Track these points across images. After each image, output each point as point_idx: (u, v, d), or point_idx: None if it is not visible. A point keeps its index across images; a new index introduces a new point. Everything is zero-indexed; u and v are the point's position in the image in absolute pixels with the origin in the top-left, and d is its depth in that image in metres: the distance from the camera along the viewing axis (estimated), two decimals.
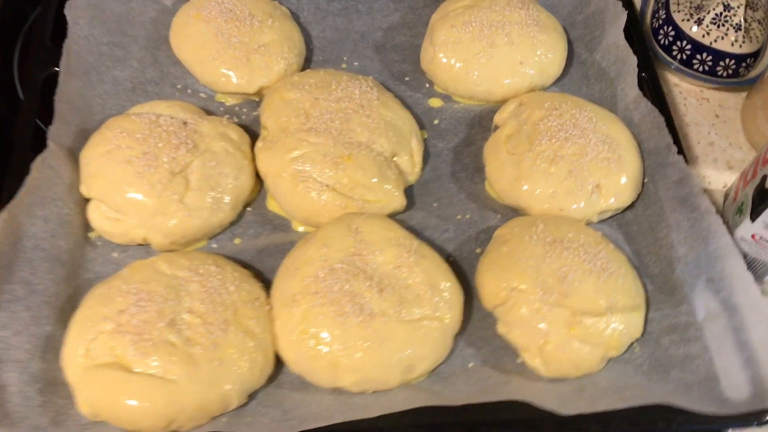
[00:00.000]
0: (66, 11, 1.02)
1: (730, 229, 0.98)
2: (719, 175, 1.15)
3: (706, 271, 0.90)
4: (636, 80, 1.05)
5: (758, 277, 1.01)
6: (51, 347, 0.82)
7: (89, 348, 0.78)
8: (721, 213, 1.06)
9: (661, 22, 1.25)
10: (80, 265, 0.90)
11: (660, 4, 1.28)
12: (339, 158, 0.93)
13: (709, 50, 1.20)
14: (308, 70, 1.06)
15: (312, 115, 0.97)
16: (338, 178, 0.93)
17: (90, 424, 0.78)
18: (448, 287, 0.86)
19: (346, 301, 0.82)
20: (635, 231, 1.00)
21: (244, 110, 1.06)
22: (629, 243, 0.99)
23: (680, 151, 0.99)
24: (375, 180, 0.94)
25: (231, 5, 1.05)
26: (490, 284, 0.89)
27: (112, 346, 0.77)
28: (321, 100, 0.98)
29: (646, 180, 1.01)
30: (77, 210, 0.92)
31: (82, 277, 0.89)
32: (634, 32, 1.17)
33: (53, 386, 0.80)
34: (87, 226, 0.92)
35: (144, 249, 0.92)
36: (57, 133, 0.93)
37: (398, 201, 0.96)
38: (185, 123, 0.95)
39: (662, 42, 1.25)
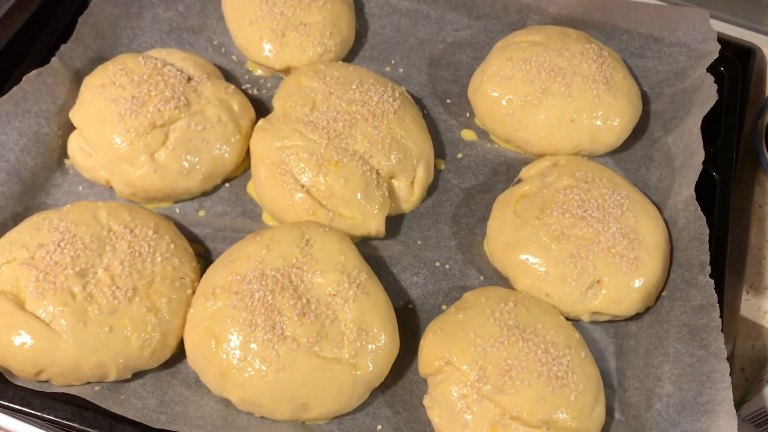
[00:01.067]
0: None
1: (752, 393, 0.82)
2: None
3: (687, 422, 0.75)
4: (696, 178, 0.89)
5: None
6: None
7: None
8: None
9: None
10: (42, 187, 0.89)
11: None
12: (325, 161, 0.86)
13: None
14: (340, 62, 0.98)
15: (318, 109, 0.90)
16: (316, 182, 0.85)
17: None
18: (380, 337, 0.77)
19: (261, 312, 0.75)
20: (631, 347, 0.85)
21: (268, 84, 1.01)
22: (618, 358, 0.85)
23: (719, 277, 0.83)
24: (357, 195, 0.86)
25: None
26: (429, 349, 0.79)
27: (17, 275, 0.76)
28: (334, 96, 0.90)
29: (663, 294, 0.86)
30: (59, 133, 0.90)
31: (40, 199, 0.88)
32: (725, 123, 1.00)
33: None
34: (64, 152, 0.91)
35: (109, 193, 0.90)
36: (69, 53, 0.92)
37: (375, 225, 0.87)
38: (189, 79, 0.91)
39: None
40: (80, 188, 0.90)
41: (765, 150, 1.06)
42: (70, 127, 0.91)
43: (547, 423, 0.73)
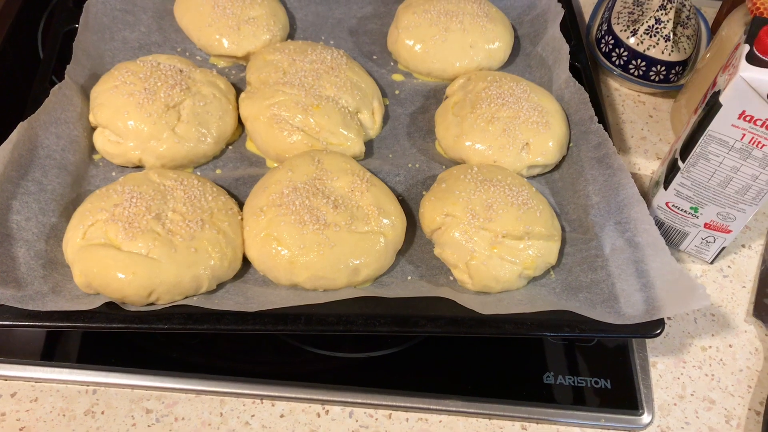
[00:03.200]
0: None
1: (650, 201, 1.15)
2: (648, 164, 1.32)
3: (614, 215, 1.06)
4: (567, 65, 1.23)
5: (674, 245, 1.18)
6: (54, 235, 0.97)
7: (86, 232, 0.93)
8: (646, 193, 1.23)
9: (603, 32, 1.45)
10: (84, 177, 1.06)
11: (603, 19, 1.48)
12: (309, 106, 1.11)
13: (643, 57, 1.40)
14: (289, 40, 1.24)
15: (289, 72, 1.15)
16: (307, 123, 1.10)
17: (83, 296, 0.92)
18: (393, 211, 1.02)
19: (305, 212, 0.98)
20: (559, 186, 1.17)
21: (233, 72, 1.25)
22: (554, 195, 1.16)
23: (602, 122, 1.17)
24: (339, 128, 1.11)
25: None
26: (428, 212, 1.05)
27: (105, 230, 0.92)
28: (297, 61, 1.16)
29: (571, 145, 1.19)
30: (85, 135, 1.09)
31: (84, 187, 1.05)
32: (572, 30, 1.37)
33: (54, 265, 0.95)
34: (92, 150, 1.09)
35: (138, 171, 1.09)
36: (73, 72, 1.11)
37: (357, 147, 1.13)
38: (181, 71, 1.13)
39: (604, 50, 1.44)
40: (113, 174, 1.08)
41: (600, 54, 1.45)
42: (90, 130, 1.09)
43: (527, 233, 1.01)
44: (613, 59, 1.43)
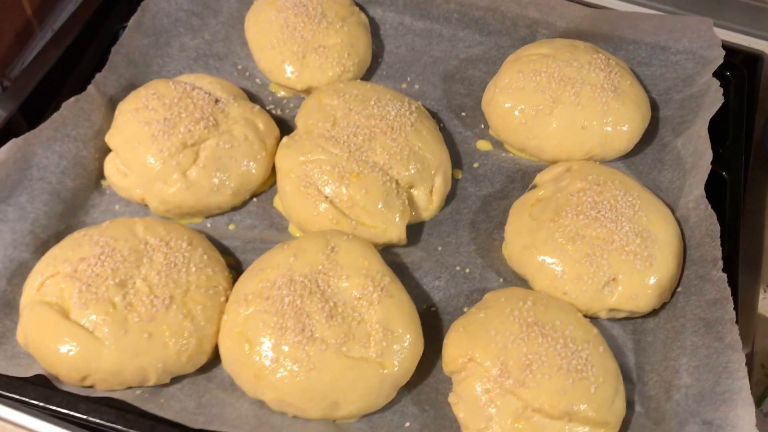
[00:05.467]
0: None
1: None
2: None
3: (705, 411, 0.77)
4: (705, 177, 0.92)
5: None
6: (20, 273, 0.86)
7: (44, 283, 0.81)
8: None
9: None
10: (81, 207, 0.94)
11: None
12: (347, 173, 0.90)
13: None
14: (358, 81, 1.03)
15: (339, 125, 0.94)
16: (338, 193, 0.89)
17: (24, 355, 0.81)
18: (405, 337, 0.80)
19: (291, 316, 0.79)
20: (648, 342, 0.88)
21: (291, 105, 1.06)
22: (637, 354, 0.87)
23: (732, 272, 0.86)
24: (378, 205, 0.90)
25: (307, 0, 1.05)
26: (452, 347, 0.82)
27: (62, 287, 0.80)
28: (353, 112, 0.95)
29: (678, 290, 0.88)
30: (96, 156, 0.96)
31: (79, 218, 0.93)
32: (733, 125, 1.03)
33: (8, 309, 0.84)
34: (101, 174, 0.96)
35: (144, 210, 0.95)
36: (103, 81, 0.98)
37: (396, 233, 0.91)
38: (217, 101, 0.96)
39: None
40: (117, 207, 0.95)
41: None
42: (106, 150, 0.96)
43: (569, 414, 0.75)
44: None
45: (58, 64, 1.02)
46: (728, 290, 0.82)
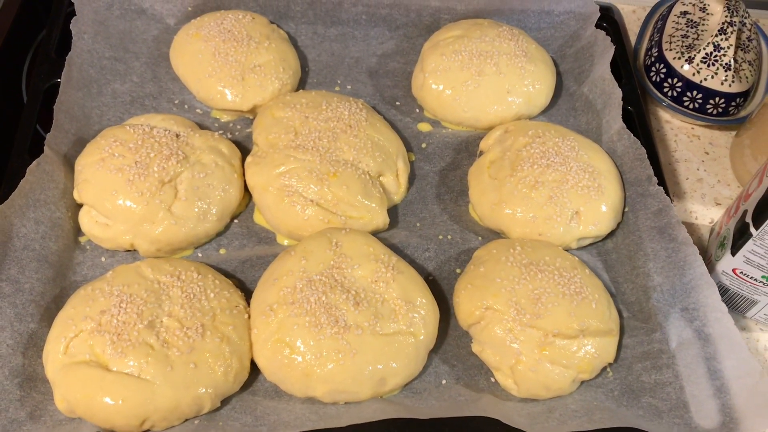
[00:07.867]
0: (72, 26, 1.06)
1: (713, 264, 1.00)
2: (706, 211, 1.16)
3: (680, 300, 0.92)
4: (620, 113, 1.07)
5: (740, 312, 1.02)
6: (33, 344, 0.84)
7: (69, 345, 0.80)
8: (706, 247, 1.07)
9: (653, 59, 1.28)
10: (68, 267, 0.92)
11: (653, 42, 1.31)
12: (324, 175, 0.96)
13: (699, 88, 1.23)
14: (301, 91, 1.09)
15: (301, 133, 1.00)
16: (323, 194, 0.95)
17: (66, 420, 0.80)
18: (424, 304, 0.88)
19: (322, 312, 0.84)
20: (614, 259, 1.01)
21: (238, 127, 1.10)
22: (608, 271, 1.01)
23: (662, 184, 1.01)
24: (359, 197, 0.96)
25: (230, 26, 1.09)
26: (465, 303, 0.91)
27: (91, 344, 0.80)
28: (310, 119, 1.01)
29: (626, 210, 1.03)
30: (69, 214, 0.94)
31: (69, 279, 0.92)
32: (623, 68, 1.20)
33: (33, 382, 0.82)
34: (78, 231, 0.95)
35: (131, 255, 0.95)
36: (54, 141, 0.96)
37: (381, 219, 0.98)
38: (178, 135, 0.98)
39: (654, 79, 1.27)
40: (103, 259, 0.94)
41: (649, 84, 1.28)
42: (76, 207, 0.95)
43: (582, 331, 0.87)
44: (665, 90, 1.26)
45: None
46: (668, 199, 0.97)
